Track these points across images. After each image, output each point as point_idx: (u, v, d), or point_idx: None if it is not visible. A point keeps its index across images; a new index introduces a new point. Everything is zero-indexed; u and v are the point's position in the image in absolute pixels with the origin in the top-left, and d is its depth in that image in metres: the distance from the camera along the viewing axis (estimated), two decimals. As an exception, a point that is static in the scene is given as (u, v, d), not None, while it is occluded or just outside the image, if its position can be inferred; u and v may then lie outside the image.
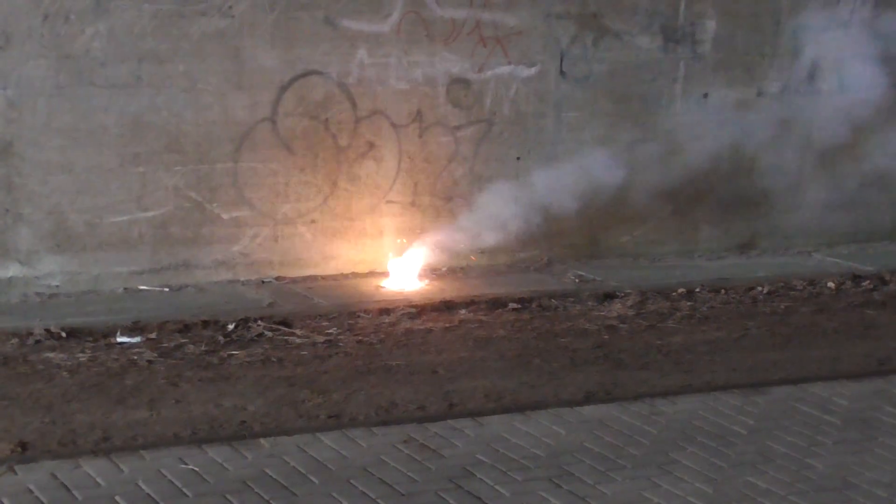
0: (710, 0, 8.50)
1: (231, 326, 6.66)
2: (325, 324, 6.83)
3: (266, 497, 4.59)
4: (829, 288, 7.96)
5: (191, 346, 6.35)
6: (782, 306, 7.53)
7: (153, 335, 6.49)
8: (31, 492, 4.57)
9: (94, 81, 7.15)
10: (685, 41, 8.48)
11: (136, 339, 6.42)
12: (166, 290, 7.37)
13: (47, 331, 6.42)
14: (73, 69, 7.08)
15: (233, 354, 6.27)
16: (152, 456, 4.90)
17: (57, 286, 7.21)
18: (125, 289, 7.32)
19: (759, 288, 7.86)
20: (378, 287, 7.62)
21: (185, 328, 6.61)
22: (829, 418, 5.61)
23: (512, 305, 7.29)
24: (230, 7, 7.38)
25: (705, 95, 8.58)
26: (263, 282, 7.61)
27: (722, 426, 5.47)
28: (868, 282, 8.11)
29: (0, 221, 7.08)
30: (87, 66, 7.12)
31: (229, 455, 4.95)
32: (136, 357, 6.15)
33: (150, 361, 6.10)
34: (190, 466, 4.82)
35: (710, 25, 8.52)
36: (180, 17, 7.30)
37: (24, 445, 4.98)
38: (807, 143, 8.93)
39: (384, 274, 7.84)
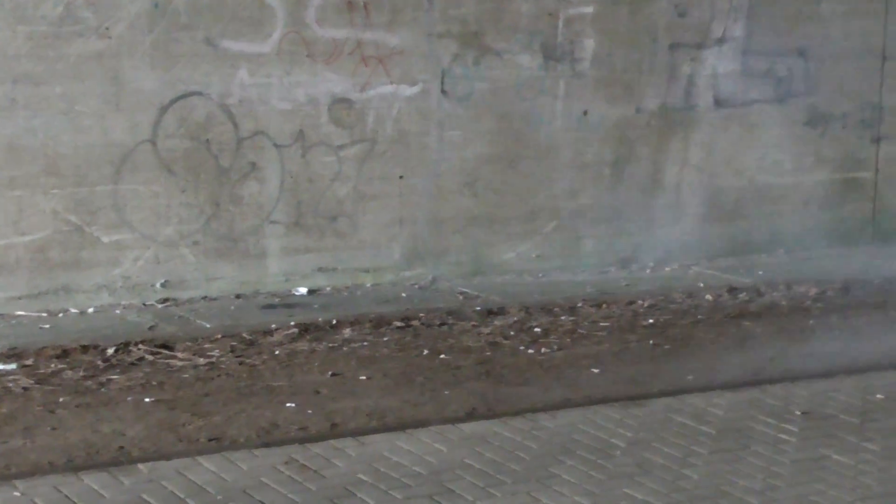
0: (589, 19, 8.64)
1: (111, 351, 6.59)
2: (207, 346, 6.79)
3: (143, 523, 4.56)
4: (707, 300, 8.12)
5: (69, 372, 6.27)
6: (662, 319, 7.67)
7: (30, 361, 6.39)
8: None
9: (-33, 104, 7.05)
10: (565, 59, 8.60)
11: (12, 367, 6.31)
12: (45, 315, 7.27)
13: (-80, 359, 6.31)
14: (-55, 92, 6.98)
15: (112, 379, 6.20)
16: (26, 485, 4.82)
17: (-69, 313, 7.08)
18: (1, 315, 7.20)
19: (640, 302, 7.99)
20: (262, 308, 7.60)
21: (64, 354, 6.52)
22: (705, 428, 5.71)
23: (396, 324, 7.31)
24: (108, 28, 7.32)
25: (585, 112, 8.71)
26: (146, 305, 7.54)
27: (601, 439, 5.55)
28: (744, 294, 8.29)
29: None
30: (-40, 89, 7.02)
31: (106, 481, 4.90)
32: (10, 384, 6.05)
33: (25, 388, 6.01)
34: (65, 494, 4.76)
35: (589, 44, 8.66)
36: (56, 39, 7.22)
37: None
38: (685, 159, 9.10)
39: (268, 294, 7.83)
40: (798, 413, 5.93)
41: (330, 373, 6.44)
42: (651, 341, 7.17)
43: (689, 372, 6.60)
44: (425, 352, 6.86)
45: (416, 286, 8.26)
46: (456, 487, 4.96)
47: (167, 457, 5.19)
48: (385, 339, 7.07)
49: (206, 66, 7.61)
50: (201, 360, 6.54)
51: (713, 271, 8.93)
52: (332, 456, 5.25)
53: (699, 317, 7.75)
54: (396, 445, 5.39)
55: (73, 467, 5.05)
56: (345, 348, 6.88)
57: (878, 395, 6.23)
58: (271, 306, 7.66)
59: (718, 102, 9.13)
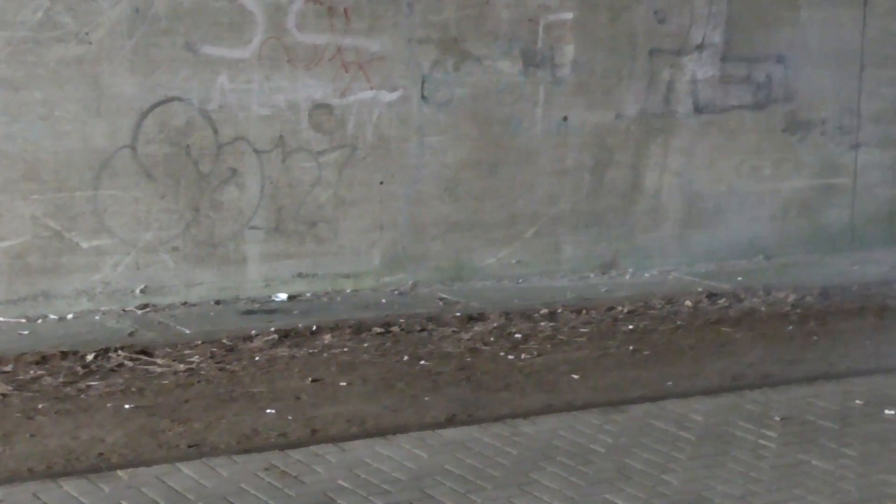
0: (569, 25, 8.66)
1: (90, 357, 6.57)
2: (187, 352, 6.78)
3: (123, 530, 4.55)
4: (687, 306, 8.15)
5: (48, 378, 6.25)
6: (641, 325, 7.68)
7: (8, 368, 6.36)
8: None
9: (-54, 110, 7.03)
10: (545, 65, 8.62)
11: (-9, 373, 6.30)
12: (24, 321, 7.25)
13: None
14: (-77, 97, 6.96)
15: (92, 385, 6.18)
16: (5, 492, 4.80)
17: None
18: (-19, 321, 7.19)
19: (620, 307, 8.00)
20: (242, 313, 7.59)
21: (43, 360, 6.50)
22: (685, 434, 5.73)
23: (376, 330, 7.31)
24: (87, 33, 7.31)
25: (565, 118, 8.73)
26: (125, 310, 7.53)
27: (581, 445, 5.56)
28: (724, 299, 8.32)
29: None
30: (-61, 94, 7.00)
31: (86, 488, 4.88)
32: (-10, 391, 6.05)
33: (4, 395, 5.99)
34: (44, 501, 4.74)
35: (569, 50, 8.68)
36: (36, 44, 7.20)
37: None
38: (664, 165, 9.13)
39: (248, 300, 7.82)
40: (777, 419, 5.95)
41: (310, 379, 6.43)
42: (631, 347, 7.19)
43: (669, 378, 6.62)
44: (405, 357, 6.86)
45: (396, 292, 8.26)
46: (436, 493, 4.97)
47: (147, 463, 5.18)
48: (365, 344, 7.07)
49: (186, 71, 7.60)
50: (181, 367, 6.52)
51: (692, 277, 8.96)
52: (313, 462, 5.25)
53: (679, 322, 7.77)
54: (377, 451, 5.39)
55: (53, 474, 5.03)
56: (325, 354, 6.88)
57: (857, 401, 6.25)
58: (251, 312, 7.65)
59: (698, 108, 9.16)
